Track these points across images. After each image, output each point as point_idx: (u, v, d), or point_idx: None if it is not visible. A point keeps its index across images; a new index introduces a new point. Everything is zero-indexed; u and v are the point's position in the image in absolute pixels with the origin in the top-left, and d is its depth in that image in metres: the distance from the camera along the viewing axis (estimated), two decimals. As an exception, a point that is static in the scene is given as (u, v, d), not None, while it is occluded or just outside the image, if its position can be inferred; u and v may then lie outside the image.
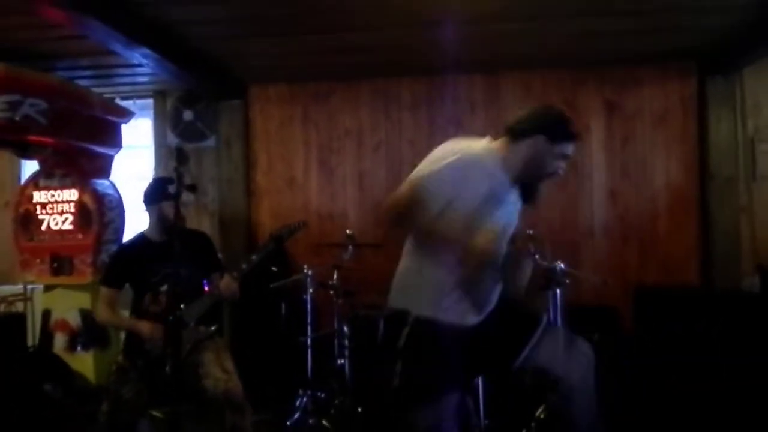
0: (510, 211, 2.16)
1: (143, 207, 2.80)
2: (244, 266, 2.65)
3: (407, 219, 2.02)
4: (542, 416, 3.05)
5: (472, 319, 2.10)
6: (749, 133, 4.14)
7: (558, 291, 3.17)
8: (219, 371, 2.60)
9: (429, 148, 4.57)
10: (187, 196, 2.24)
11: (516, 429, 3.02)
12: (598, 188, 4.31)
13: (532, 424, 3.02)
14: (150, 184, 2.80)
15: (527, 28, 3.50)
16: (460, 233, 1.95)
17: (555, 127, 2.07)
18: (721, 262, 4.11)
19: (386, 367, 2.09)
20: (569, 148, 2.09)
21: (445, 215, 1.97)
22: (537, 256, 3.32)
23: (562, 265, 3.21)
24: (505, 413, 3.13)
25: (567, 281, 3.24)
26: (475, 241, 1.91)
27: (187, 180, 2.40)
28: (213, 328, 2.71)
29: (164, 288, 2.63)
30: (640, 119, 4.26)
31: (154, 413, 2.99)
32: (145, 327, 2.59)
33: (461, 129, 4.44)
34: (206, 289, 2.72)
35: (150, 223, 2.79)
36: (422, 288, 2.06)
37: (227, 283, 2.61)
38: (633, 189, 4.26)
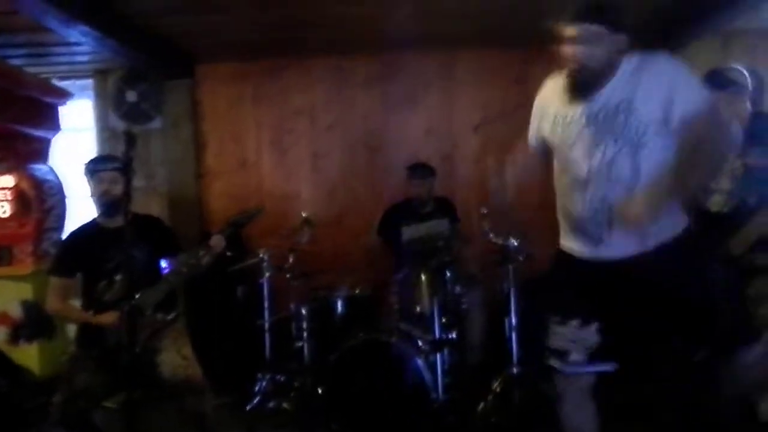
0: (597, 118, 2.03)
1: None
2: (228, 229, 2.67)
3: None
4: (498, 390, 3.15)
5: (587, 250, 2.06)
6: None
7: (511, 267, 3.25)
8: (178, 358, 2.56)
9: (384, 126, 4.63)
10: (130, 175, 2.14)
11: (474, 403, 3.11)
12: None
13: (489, 397, 3.11)
14: (85, 162, 2.71)
15: (481, 5, 3.51)
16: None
17: None
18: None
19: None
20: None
21: None
22: (491, 234, 3.40)
23: (516, 242, 3.29)
24: (463, 388, 3.22)
25: (520, 258, 3.33)
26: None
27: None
28: (171, 315, 2.66)
29: (119, 275, 2.55)
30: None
31: (109, 404, 2.93)
32: (106, 318, 2.51)
33: (416, 106, 4.45)
34: (164, 273, 2.66)
35: (95, 206, 2.68)
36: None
37: (217, 240, 2.61)
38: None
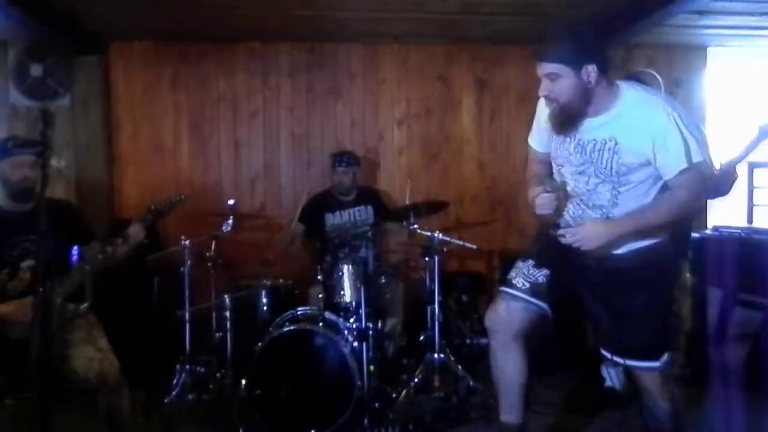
0: (585, 150, 2.12)
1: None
2: (149, 217, 2.53)
3: None
4: (419, 376, 3.24)
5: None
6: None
7: (435, 259, 3.35)
8: (92, 350, 2.42)
9: (308, 116, 4.59)
10: (43, 157, 2.00)
11: (397, 391, 3.18)
12: (468, 160, 4.57)
13: (412, 385, 3.19)
14: None
15: (405, 1, 3.56)
16: None
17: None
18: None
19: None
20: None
21: None
22: (416, 226, 3.48)
23: (439, 235, 3.39)
24: (387, 376, 3.28)
25: (443, 250, 3.43)
26: None
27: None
28: (84, 305, 2.50)
29: (26, 263, 2.37)
30: (506, 96, 4.56)
31: (9, 401, 2.72)
32: (9, 309, 2.31)
33: (340, 98, 4.45)
34: (75, 261, 2.49)
35: (5, 191, 2.47)
36: None
37: (136, 229, 2.47)
38: (499, 161, 4.58)
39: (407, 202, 3.75)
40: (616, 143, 2.02)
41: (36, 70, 4.07)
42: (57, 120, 4.05)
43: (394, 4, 3.60)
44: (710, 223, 3.97)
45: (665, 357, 2.19)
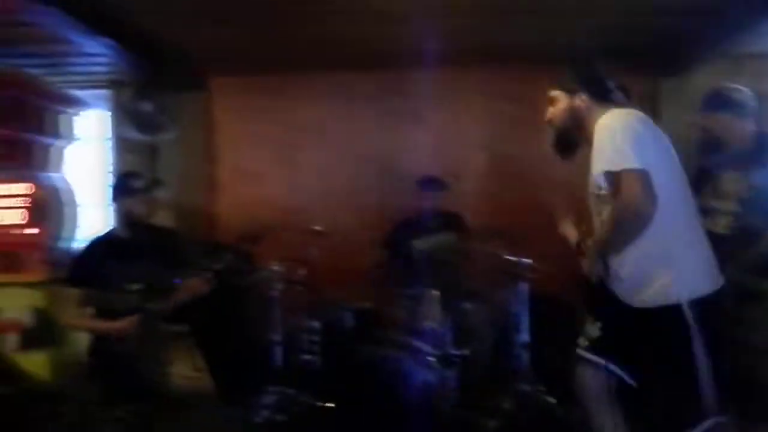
0: None
1: (108, 203, 2.72)
2: (218, 266, 2.63)
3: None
4: (506, 407, 3.15)
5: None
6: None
7: (521, 285, 3.27)
8: (188, 369, 2.58)
9: (390, 141, 4.66)
10: (159, 192, 2.19)
11: (482, 420, 3.10)
12: (554, 182, 4.43)
13: (498, 414, 3.11)
14: (115, 180, 2.73)
15: (488, 23, 3.56)
16: None
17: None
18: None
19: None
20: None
21: None
22: (501, 251, 3.41)
23: (526, 260, 3.31)
24: (471, 404, 3.21)
25: (530, 276, 3.34)
26: None
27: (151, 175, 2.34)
28: (182, 327, 2.67)
29: (134, 286, 2.57)
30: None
31: (119, 413, 2.93)
32: (118, 327, 2.52)
33: (422, 123, 4.49)
34: (176, 286, 2.67)
35: (117, 219, 2.71)
36: None
37: (198, 283, 2.58)
38: (586, 184, 4.40)
39: (492, 227, 3.70)
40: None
41: (146, 106, 4.45)
42: (163, 152, 4.49)
43: (474, 28, 3.62)
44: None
45: None
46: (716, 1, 3.23)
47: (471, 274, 4.15)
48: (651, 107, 4.34)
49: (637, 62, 4.29)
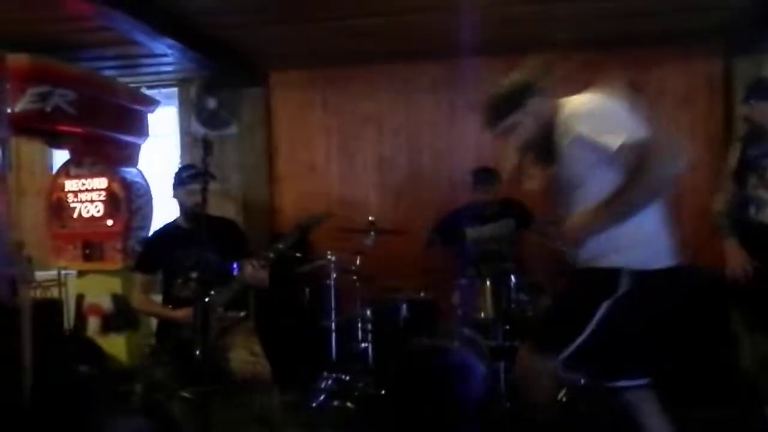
0: None
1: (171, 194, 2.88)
2: (271, 255, 2.70)
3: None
4: (564, 400, 3.09)
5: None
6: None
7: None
8: (247, 354, 2.68)
9: (449, 131, 4.63)
10: (208, 183, 2.29)
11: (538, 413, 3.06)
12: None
13: (555, 408, 3.05)
14: (173, 172, 2.89)
15: (546, 9, 3.47)
16: None
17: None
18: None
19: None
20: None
21: None
22: (559, 242, 3.33)
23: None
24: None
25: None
26: None
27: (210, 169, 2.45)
28: (241, 313, 2.79)
29: (194, 274, 2.71)
30: (663, 100, 4.20)
31: (185, 394, 3.10)
32: (181, 314, 2.67)
33: (479, 113, 4.42)
34: (234, 275, 2.79)
35: (177, 210, 2.87)
36: None
37: (253, 272, 2.67)
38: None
39: (550, 217, 3.60)
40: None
41: (211, 103, 4.65)
42: (227, 146, 4.68)
43: (531, 15, 3.53)
44: None
45: None
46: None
47: (530, 264, 4.08)
48: (724, 89, 4.10)
49: (709, 42, 4.06)
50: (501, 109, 2.17)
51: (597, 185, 1.98)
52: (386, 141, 4.56)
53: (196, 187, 2.70)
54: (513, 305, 3.23)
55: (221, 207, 4.44)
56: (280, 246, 2.69)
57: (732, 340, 3.02)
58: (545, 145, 2.11)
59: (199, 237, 2.40)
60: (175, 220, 2.93)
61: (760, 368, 2.93)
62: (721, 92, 4.12)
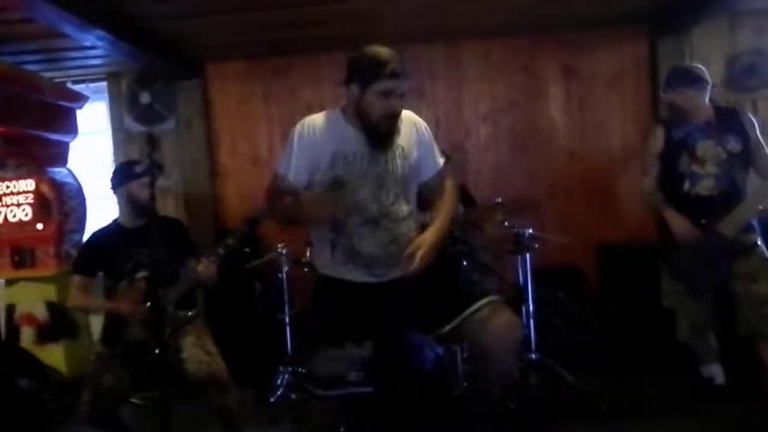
0: (379, 161, 2.20)
1: (111, 193, 2.74)
2: (220, 250, 2.64)
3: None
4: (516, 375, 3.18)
5: (362, 277, 2.20)
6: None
7: (527, 255, 3.28)
8: (201, 354, 2.61)
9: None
10: (159, 175, 2.21)
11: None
12: (559, 150, 4.43)
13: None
14: (115, 168, 2.76)
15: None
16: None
17: (362, 72, 2.14)
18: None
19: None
20: (385, 85, 2.13)
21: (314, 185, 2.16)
22: (505, 223, 3.42)
23: (530, 230, 3.31)
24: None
25: (535, 245, 3.35)
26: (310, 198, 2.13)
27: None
28: (192, 312, 2.71)
29: (140, 274, 2.61)
30: (595, 82, 4.37)
31: (136, 400, 3.00)
32: (124, 306, 2.57)
33: (423, 98, 4.46)
34: (183, 273, 2.71)
35: (120, 208, 2.74)
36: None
37: (205, 268, 2.60)
38: (591, 150, 4.39)
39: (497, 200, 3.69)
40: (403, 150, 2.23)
41: (145, 97, 4.46)
42: (164, 141, 4.51)
43: (470, 2, 3.58)
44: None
45: None
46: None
47: (475, 247, 4.17)
48: (651, 70, 4.31)
49: (636, 24, 4.25)
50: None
51: None
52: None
53: (148, 180, 2.59)
54: (466, 287, 3.27)
55: (162, 204, 4.29)
56: (230, 241, 2.63)
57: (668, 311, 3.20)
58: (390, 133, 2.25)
59: (145, 235, 2.31)
60: (115, 219, 2.80)
61: (691, 333, 3.12)
62: (647, 73, 4.32)
